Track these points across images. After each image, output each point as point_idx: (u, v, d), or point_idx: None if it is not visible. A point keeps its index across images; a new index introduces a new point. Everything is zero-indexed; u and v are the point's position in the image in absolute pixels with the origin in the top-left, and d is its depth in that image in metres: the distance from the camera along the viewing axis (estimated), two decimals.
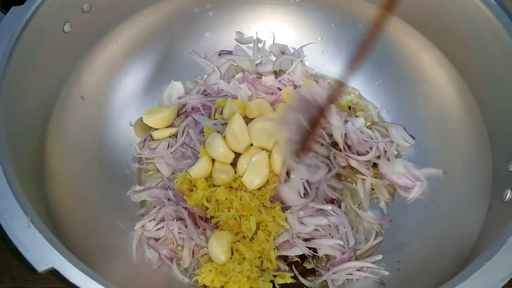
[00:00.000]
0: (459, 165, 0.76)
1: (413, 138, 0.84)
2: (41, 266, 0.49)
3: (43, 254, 0.49)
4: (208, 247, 0.71)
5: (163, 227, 0.74)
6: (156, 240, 0.74)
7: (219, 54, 0.91)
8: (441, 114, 0.81)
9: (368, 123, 0.87)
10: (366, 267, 0.71)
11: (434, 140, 0.82)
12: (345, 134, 0.80)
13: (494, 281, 0.51)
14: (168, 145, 0.83)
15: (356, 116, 0.88)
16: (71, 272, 0.49)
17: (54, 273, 0.49)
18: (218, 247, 0.70)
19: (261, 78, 0.89)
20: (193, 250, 0.73)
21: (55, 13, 0.67)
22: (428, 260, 0.70)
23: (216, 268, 0.69)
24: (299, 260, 0.74)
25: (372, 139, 0.83)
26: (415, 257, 0.72)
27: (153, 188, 0.78)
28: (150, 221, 0.74)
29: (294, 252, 0.73)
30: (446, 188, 0.76)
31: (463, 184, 0.74)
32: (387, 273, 0.70)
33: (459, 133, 0.77)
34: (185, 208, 0.74)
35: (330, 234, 0.73)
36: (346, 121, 0.84)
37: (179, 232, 0.74)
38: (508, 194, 0.62)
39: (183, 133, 0.83)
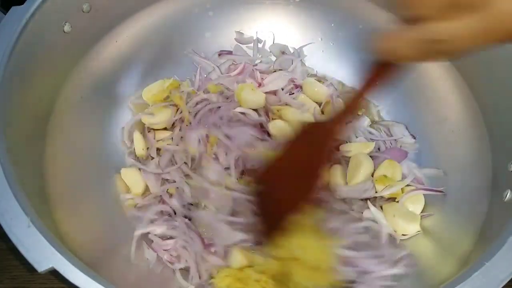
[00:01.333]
0: (459, 165, 0.76)
1: (414, 137, 0.84)
2: (41, 266, 0.49)
3: (43, 254, 0.49)
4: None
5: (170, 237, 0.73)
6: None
7: (219, 54, 0.91)
8: (441, 114, 0.81)
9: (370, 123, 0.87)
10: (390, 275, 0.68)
11: (434, 140, 0.82)
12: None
13: (494, 281, 0.51)
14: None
15: (358, 115, 0.88)
16: (71, 272, 0.49)
17: (54, 273, 0.49)
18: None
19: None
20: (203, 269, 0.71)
21: (55, 13, 0.67)
22: (428, 260, 0.70)
23: (234, 274, 0.68)
24: None
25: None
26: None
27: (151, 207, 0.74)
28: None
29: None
30: (446, 188, 0.76)
31: (463, 184, 0.74)
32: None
33: (459, 133, 0.77)
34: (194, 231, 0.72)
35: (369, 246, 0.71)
36: (350, 121, 0.84)
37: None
38: (508, 194, 0.62)
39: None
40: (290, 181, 0.62)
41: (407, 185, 0.77)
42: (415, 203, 0.76)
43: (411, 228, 0.73)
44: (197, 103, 0.84)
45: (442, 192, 0.75)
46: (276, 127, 0.80)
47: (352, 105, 0.58)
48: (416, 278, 0.67)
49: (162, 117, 0.82)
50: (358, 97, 0.57)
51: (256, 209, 0.67)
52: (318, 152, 0.60)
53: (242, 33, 0.92)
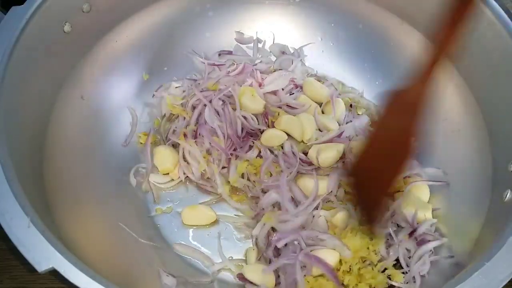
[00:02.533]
0: (459, 165, 0.76)
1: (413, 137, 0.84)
2: (41, 266, 0.49)
3: (43, 254, 0.49)
4: None
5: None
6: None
7: (219, 54, 0.91)
8: (441, 114, 0.81)
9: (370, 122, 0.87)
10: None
11: (434, 140, 0.82)
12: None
13: (494, 281, 0.51)
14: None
15: (358, 114, 0.88)
16: (71, 272, 0.49)
17: (54, 273, 0.49)
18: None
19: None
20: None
21: (55, 13, 0.67)
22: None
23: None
24: None
25: None
26: None
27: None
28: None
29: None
30: (446, 188, 0.76)
31: (463, 184, 0.74)
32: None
33: (459, 133, 0.77)
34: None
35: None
36: (350, 121, 0.85)
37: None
38: (508, 194, 0.62)
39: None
40: (383, 162, 0.58)
41: (409, 177, 0.78)
42: (420, 193, 0.76)
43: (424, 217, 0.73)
44: (194, 103, 0.84)
45: (445, 182, 0.76)
46: (267, 138, 0.80)
47: (436, 58, 0.51)
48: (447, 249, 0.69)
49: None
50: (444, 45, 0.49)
51: (356, 197, 0.66)
52: (409, 121, 0.55)
53: (242, 33, 0.92)
